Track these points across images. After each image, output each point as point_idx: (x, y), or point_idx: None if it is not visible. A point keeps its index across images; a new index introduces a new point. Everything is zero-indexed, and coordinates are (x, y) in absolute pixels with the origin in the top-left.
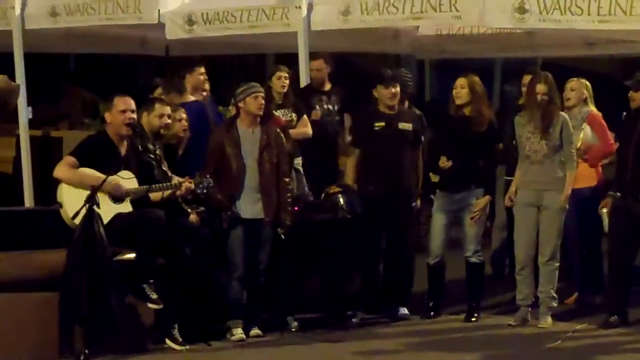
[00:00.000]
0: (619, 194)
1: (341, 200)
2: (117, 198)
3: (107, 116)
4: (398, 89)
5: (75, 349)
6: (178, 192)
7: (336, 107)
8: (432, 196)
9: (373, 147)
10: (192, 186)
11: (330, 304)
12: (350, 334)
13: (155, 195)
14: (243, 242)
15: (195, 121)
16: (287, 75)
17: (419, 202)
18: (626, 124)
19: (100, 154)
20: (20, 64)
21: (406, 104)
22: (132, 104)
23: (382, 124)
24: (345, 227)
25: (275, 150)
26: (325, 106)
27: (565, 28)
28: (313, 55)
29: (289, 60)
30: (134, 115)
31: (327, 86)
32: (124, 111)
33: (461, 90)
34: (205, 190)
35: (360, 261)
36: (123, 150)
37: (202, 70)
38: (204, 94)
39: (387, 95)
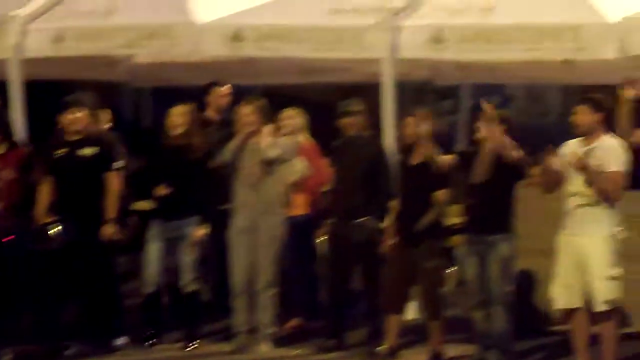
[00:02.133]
0: (335, 220)
1: (52, 230)
2: None
3: None
4: (79, 114)
5: None
6: None
7: None
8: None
9: (56, 176)
10: None
11: (44, 336)
12: None
13: None
14: None
15: None
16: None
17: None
18: (338, 151)
19: None
20: None
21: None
22: None
23: (63, 150)
24: (56, 257)
25: None
26: None
27: (281, 56)
28: None
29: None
30: None
31: None
32: None
33: (176, 118)
34: None
35: (75, 291)
36: None
37: None
38: None
39: (66, 121)
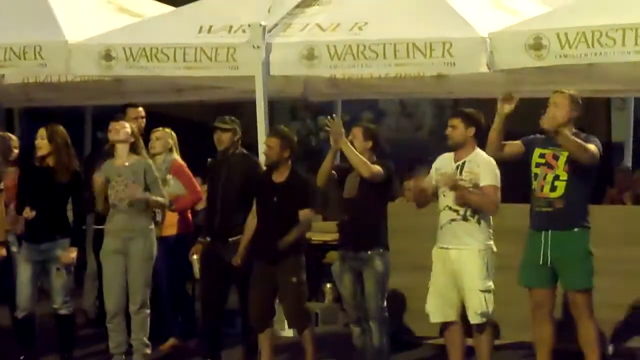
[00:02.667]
0: (208, 239)
1: None
2: None
3: None
4: None
5: None
6: None
7: None
8: None
9: None
10: None
11: None
12: None
13: None
14: None
15: None
16: None
17: None
18: (212, 169)
19: None
20: None
21: None
22: None
23: None
24: None
25: None
26: None
27: (153, 75)
28: None
29: None
30: None
31: None
32: None
33: (42, 141)
34: None
35: None
36: None
37: None
38: None
39: None
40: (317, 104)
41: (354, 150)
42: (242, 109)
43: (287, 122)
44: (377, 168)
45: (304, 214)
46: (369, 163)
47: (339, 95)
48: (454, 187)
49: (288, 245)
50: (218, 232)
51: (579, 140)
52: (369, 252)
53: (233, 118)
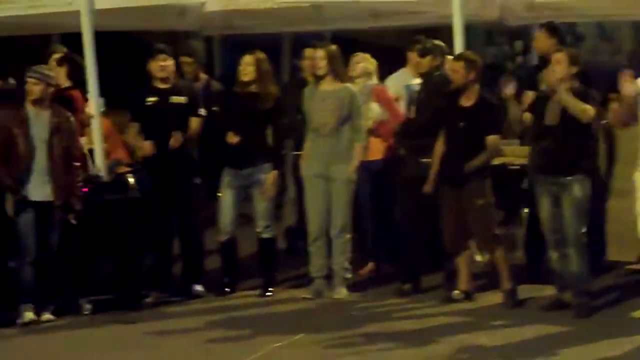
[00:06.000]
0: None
1: (131, 179)
2: None
3: None
4: (169, 62)
5: None
6: None
7: None
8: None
9: (147, 122)
10: None
11: (123, 285)
12: (144, 314)
13: None
14: (33, 226)
15: None
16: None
17: None
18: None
19: None
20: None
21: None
22: None
23: (155, 98)
24: (135, 207)
25: (66, 133)
26: None
27: (351, 0)
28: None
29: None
30: None
31: None
32: None
33: (247, 67)
34: None
35: (152, 240)
36: None
37: None
38: None
39: (156, 68)
40: (513, 28)
41: (573, 98)
42: (438, 35)
43: (482, 46)
44: (592, 111)
45: (491, 140)
46: (588, 110)
47: (535, 19)
48: None
49: (473, 169)
50: (417, 155)
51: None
52: (569, 178)
53: (436, 42)
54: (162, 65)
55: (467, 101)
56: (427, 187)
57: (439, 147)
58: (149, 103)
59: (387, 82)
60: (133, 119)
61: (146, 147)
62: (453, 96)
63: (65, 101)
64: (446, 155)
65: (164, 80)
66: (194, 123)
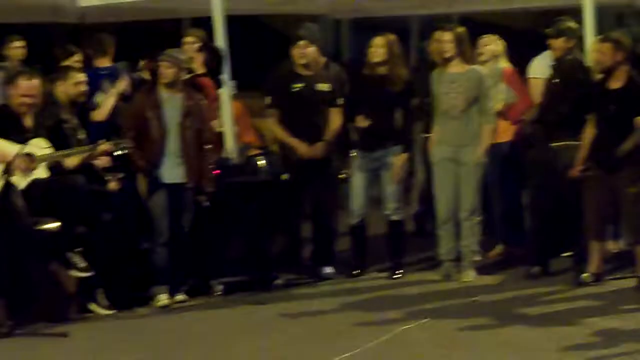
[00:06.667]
0: (539, 145)
1: (262, 162)
2: (28, 169)
3: (11, 90)
4: (310, 48)
5: None
6: (95, 153)
7: None
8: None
9: (290, 108)
10: (109, 147)
11: (254, 267)
12: (275, 295)
13: (71, 161)
14: (166, 208)
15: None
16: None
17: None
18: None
19: (2, 126)
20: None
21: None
22: (34, 88)
23: (300, 85)
24: (266, 189)
25: (198, 116)
26: None
27: None
28: None
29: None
30: (33, 100)
31: None
32: (23, 95)
33: (377, 49)
34: (123, 151)
35: (283, 222)
36: (28, 121)
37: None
38: None
39: (297, 54)
40: None
41: None
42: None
43: (612, 29)
44: None
45: None
46: None
47: None
48: None
49: (626, 153)
50: (547, 137)
51: None
52: None
53: (570, 24)
54: (303, 52)
55: (615, 83)
56: (574, 172)
57: (589, 132)
58: (295, 89)
59: (532, 65)
60: (273, 105)
61: (303, 149)
62: (601, 79)
63: (196, 87)
64: (596, 140)
65: (305, 66)
66: (335, 115)
